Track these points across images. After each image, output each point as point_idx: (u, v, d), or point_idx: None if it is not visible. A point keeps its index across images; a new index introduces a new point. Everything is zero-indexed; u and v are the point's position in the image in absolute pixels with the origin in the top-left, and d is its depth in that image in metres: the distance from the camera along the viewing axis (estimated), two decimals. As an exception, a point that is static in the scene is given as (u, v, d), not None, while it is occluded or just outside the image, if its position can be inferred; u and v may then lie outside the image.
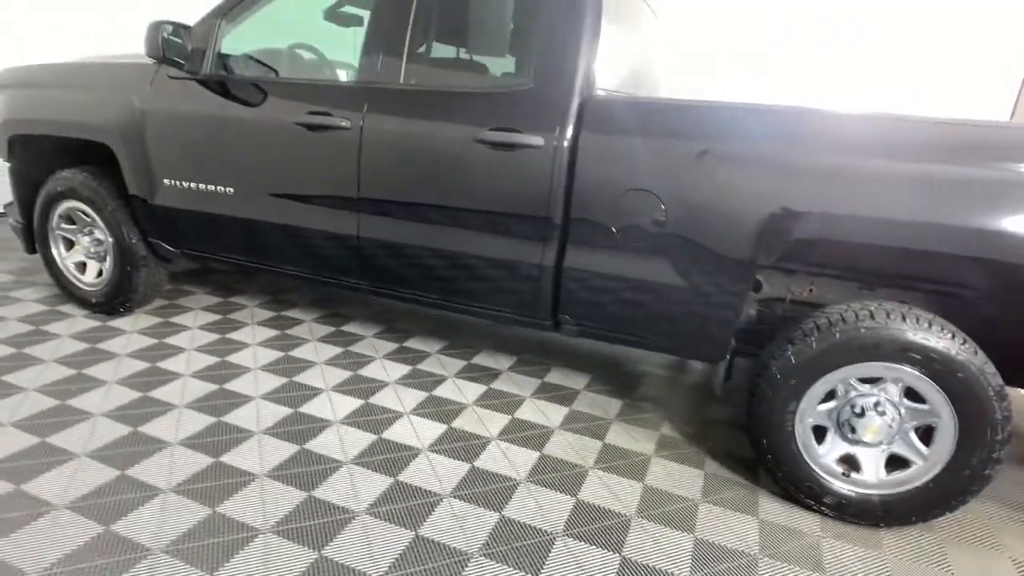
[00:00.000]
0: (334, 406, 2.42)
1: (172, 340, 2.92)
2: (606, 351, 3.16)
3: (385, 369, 2.77)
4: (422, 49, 2.26)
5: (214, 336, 3.00)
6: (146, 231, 2.91)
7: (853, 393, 1.89)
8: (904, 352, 1.74)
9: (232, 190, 2.59)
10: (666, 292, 2.00)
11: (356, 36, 3.02)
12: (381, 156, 2.27)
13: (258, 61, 2.63)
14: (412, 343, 3.06)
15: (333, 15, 2.98)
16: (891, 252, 1.77)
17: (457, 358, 2.93)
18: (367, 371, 2.73)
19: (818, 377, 1.87)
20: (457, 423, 2.36)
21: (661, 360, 3.14)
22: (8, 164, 3.13)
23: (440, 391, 2.60)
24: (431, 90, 2.22)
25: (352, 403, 2.45)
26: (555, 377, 2.82)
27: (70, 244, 3.16)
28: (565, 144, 2.01)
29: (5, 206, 3.36)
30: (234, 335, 3.03)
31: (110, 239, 2.96)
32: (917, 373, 1.76)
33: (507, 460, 2.13)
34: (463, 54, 2.38)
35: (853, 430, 1.91)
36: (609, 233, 2.01)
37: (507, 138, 2.07)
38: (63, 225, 3.11)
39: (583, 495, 1.98)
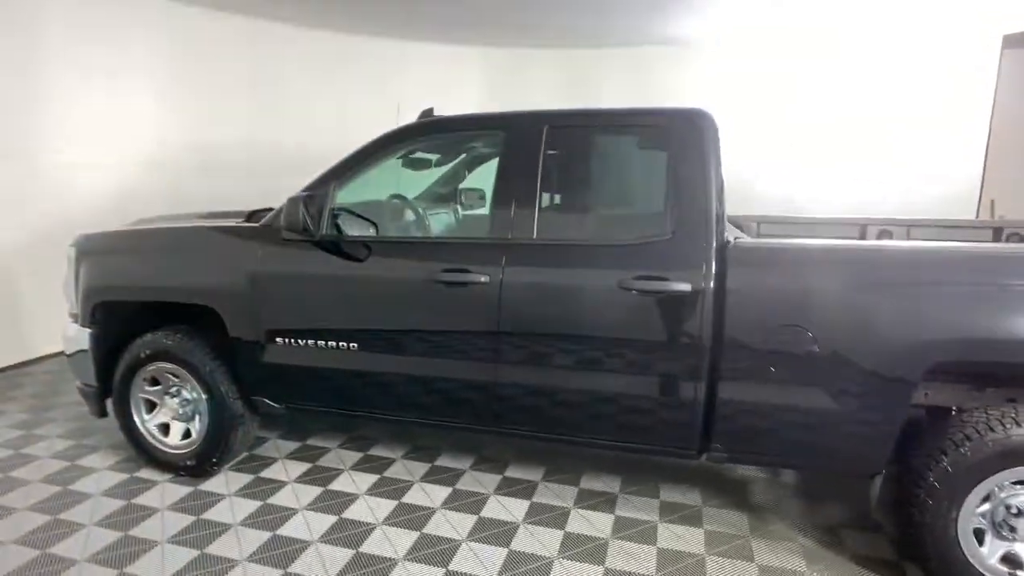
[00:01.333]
0: (480, 557, 2.39)
1: (277, 500, 2.82)
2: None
3: (507, 508, 2.75)
4: (553, 204, 2.44)
5: (316, 489, 2.91)
6: (250, 388, 2.87)
7: (1005, 494, 2.05)
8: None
9: (356, 345, 2.62)
10: (824, 415, 2.14)
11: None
12: (522, 306, 2.38)
13: (360, 216, 2.73)
14: (512, 471, 3.06)
15: (409, 162, 3.18)
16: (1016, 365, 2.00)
17: (566, 483, 2.95)
18: (490, 511, 2.71)
19: (976, 483, 2.03)
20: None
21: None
22: (90, 331, 3.03)
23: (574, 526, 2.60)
24: (569, 243, 2.39)
25: (498, 552, 2.42)
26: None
27: (151, 406, 3.05)
28: (711, 287, 2.19)
29: (70, 358, 3.19)
30: (336, 485, 2.94)
31: (204, 399, 2.89)
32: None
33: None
34: (592, 208, 2.57)
35: (1012, 529, 2.06)
36: (762, 366, 2.17)
37: (655, 285, 2.23)
38: (146, 387, 3.02)
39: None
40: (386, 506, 2.76)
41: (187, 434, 3.01)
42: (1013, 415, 2.02)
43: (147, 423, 3.04)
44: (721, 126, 2.27)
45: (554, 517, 2.68)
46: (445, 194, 3.19)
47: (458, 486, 2.93)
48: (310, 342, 2.69)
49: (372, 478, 3.02)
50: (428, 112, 2.87)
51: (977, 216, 5.17)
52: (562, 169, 2.48)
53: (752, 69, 6.29)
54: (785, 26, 5.97)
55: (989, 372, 2.17)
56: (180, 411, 2.99)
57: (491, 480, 2.99)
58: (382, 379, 2.64)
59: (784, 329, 2.13)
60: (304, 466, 3.14)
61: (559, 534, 2.55)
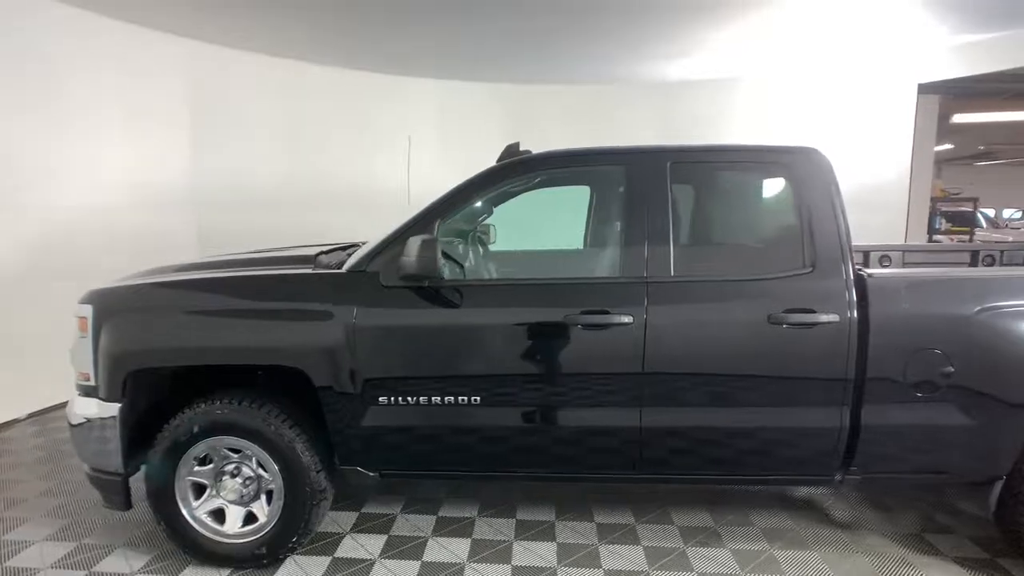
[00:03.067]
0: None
1: (376, 582, 2.48)
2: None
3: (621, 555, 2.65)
4: (684, 240, 2.43)
5: (412, 564, 2.60)
6: (344, 458, 2.52)
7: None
8: None
9: (479, 399, 2.40)
10: (958, 430, 2.31)
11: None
12: (669, 346, 2.33)
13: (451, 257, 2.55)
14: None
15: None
16: None
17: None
18: (613, 562, 2.59)
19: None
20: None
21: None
22: (118, 406, 2.49)
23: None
24: (710, 279, 2.39)
25: None
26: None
27: (199, 490, 2.57)
28: (854, 317, 2.29)
29: (78, 439, 2.59)
30: (430, 555, 2.65)
31: (279, 474, 2.48)
32: None
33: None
34: (722, 243, 2.58)
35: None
36: (903, 389, 2.30)
37: (805, 318, 2.29)
38: (196, 468, 2.54)
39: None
40: (502, 570, 2.54)
41: (249, 518, 2.57)
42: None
43: (196, 511, 2.55)
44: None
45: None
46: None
47: (559, 537, 2.77)
48: (422, 399, 2.42)
49: (463, 542, 2.76)
50: (514, 148, 2.76)
51: (905, 240, 5.98)
52: (689, 205, 2.49)
53: (693, 111, 6.77)
54: (722, 77, 6.55)
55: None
56: (243, 492, 2.54)
57: (575, 528, 2.86)
58: (509, 433, 2.44)
59: (922, 353, 2.28)
60: (380, 538, 2.80)
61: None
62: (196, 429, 2.46)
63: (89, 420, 2.52)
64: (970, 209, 11.47)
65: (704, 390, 2.38)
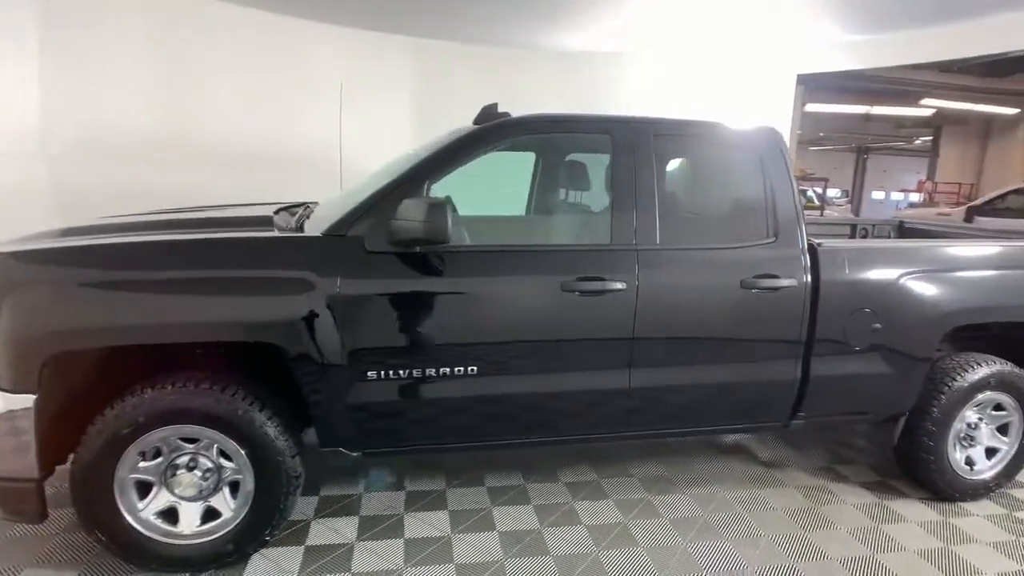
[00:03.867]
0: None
1: (365, 566, 2.34)
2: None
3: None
4: (667, 210, 2.52)
5: (396, 542, 2.49)
6: (324, 438, 2.31)
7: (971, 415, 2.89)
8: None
9: (476, 369, 2.33)
10: (882, 376, 2.70)
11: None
12: (654, 310, 2.44)
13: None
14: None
15: None
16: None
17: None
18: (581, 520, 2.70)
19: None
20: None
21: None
22: (32, 398, 2.04)
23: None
24: (692, 248, 2.52)
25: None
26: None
27: (144, 489, 2.22)
28: (808, 281, 2.57)
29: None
30: (412, 532, 2.56)
31: (247, 463, 2.22)
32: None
33: None
34: (699, 214, 2.69)
35: (971, 439, 2.91)
36: (843, 343, 2.64)
37: (769, 283, 2.52)
38: (140, 464, 2.18)
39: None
40: (490, 537, 2.53)
41: (207, 515, 2.27)
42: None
43: (142, 513, 2.20)
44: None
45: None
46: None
47: (534, 500, 2.82)
48: (415, 372, 2.29)
49: (441, 515, 2.70)
50: (492, 107, 2.66)
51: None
52: (670, 177, 2.58)
53: (592, 81, 6.99)
54: (620, 51, 6.83)
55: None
56: (201, 487, 2.24)
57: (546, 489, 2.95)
58: (506, 402, 2.40)
59: (858, 313, 2.63)
60: (351, 520, 2.63)
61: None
62: (142, 419, 2.10)
63: (-9, 416, 2.04)
64: (820, 189, 13.18)
65: (686, 350, 2.54)
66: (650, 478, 3.08)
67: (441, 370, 2.31)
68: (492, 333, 2.34)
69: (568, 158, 2.93)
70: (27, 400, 2.08)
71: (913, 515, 2.83)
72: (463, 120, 2.59)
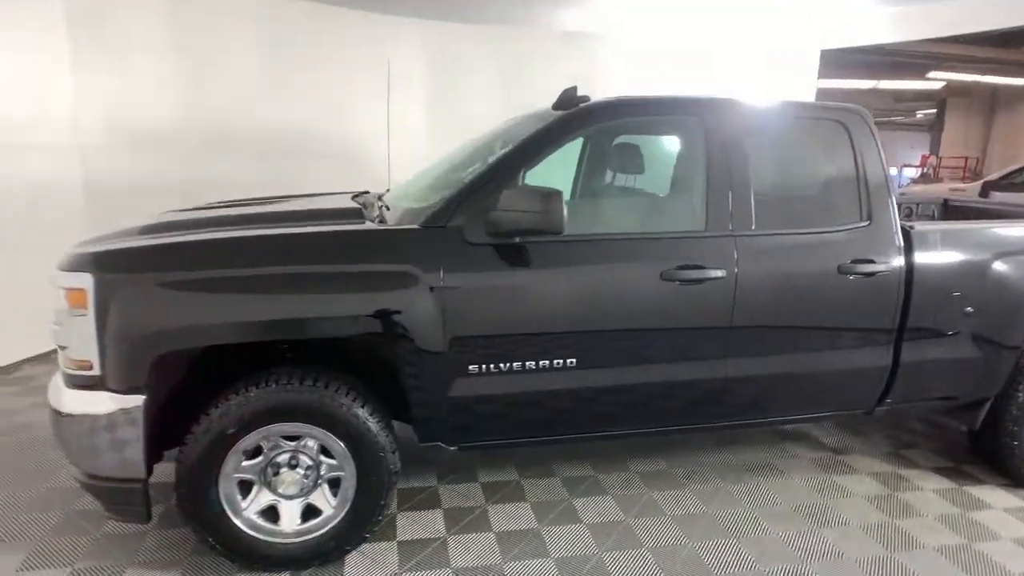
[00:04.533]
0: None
1: (464, 561, 2.33)
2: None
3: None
4: (761, 195, 2.46)
5: (485, 536, 2.48)
6: (424, 433, 2.28)
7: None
8: None
9: (575, 360, 2.29)
10: (969, 363, 2.68)
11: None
12: (753, 298, 2.39)
13: None
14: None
15: None
16: None
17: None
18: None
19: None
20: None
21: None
22: (140, 398, 2.00)
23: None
24: (788, 233, 2.47)
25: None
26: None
27: (246, 489, 2.19)
28: (902, 265, 2.53)
29: (68, 433, 2.06)
30: (499, 525, 2.55)
31: (351, 459, 2.19)
32: None
33: None
34: (791, 198, 2.63)
35: None
36: (934, 328, 2.61)
37: (866, 268, 2.48)
38: (243, 464, 2.15)
39: None
40: (578, 530, 2.51)
41: (308, 512, 2.25)
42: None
43: (245, 512, 2.18)
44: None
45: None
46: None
47: (610, 490, 2.80)
48: (516, 364, 2.25)
49: (523, 507, 2.68)
50: (571, 91, 2.59)
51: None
52: (761, 159, 2.52)
53: (609, 62, 6.85)
54: (640, 29, 6.69)
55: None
56: (303, 484, 2.21)
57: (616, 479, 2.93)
58: (605, 393, 2.37)
59: (953, 297, 2.59)
60: (434, 513, 2.62)
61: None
62: (247, 417, 2.07)
63: (96, 418, 2.00)
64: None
65: (781, 339, 2.51)
66: (725, 464, 3.07)
67: (541, 362, 2.27)
68: (592, 324, 2.30)
69: (661, 141, 2.87)
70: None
71: (997, 502, 2.82)
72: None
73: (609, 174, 3.17)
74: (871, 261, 2.49)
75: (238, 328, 2.02)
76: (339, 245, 2.15)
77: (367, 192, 3.38)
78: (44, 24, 4.15)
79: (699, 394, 2.48)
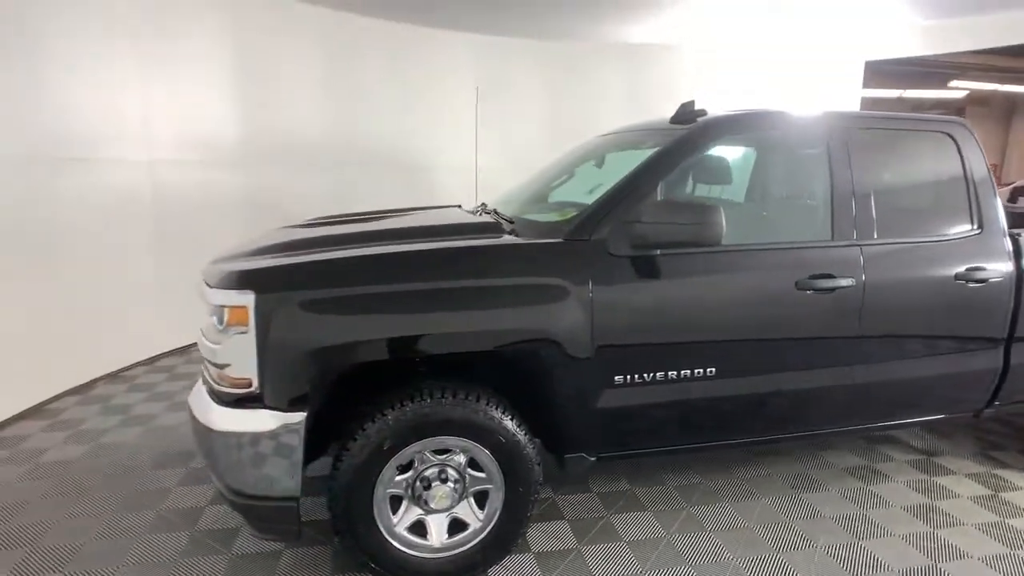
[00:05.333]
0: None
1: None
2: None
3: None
4: (879, 204, 2.52)
5: (618, 546, 2.48)
6: (570, 444, 2.29)
7: None
8: None
9: (714, 370, 2.32)
10: None
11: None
12: (879, 306, 2.45)
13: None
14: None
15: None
16: None
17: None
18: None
19: None
20: None
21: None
22: (302, 415, 1.99)
23: None
24: (907, 242, 2.53)
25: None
26: None
27: (395, 504, 2.19)
28: (1013, 271, 2.60)
29: (224, 452, 2.03)
30: (629, 534, 2.55)
31: (500, 472, 2.20)
32: None
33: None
34: (904, 207, 2.69)
35: None
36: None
37: (981, 274, 2.54)
38: (395, 479, 2.15)
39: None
40: (706, 538, 2.53)
41: (459, 526, 2.25)
42: None
43: (397, 527, 2.17)
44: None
45: (843, 501, 2.82)
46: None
47: (723, 499, 2.82)
48: (659, 375, 2.28)
49: (646, 516, 2.69)
50: (689, 105, 2.64)
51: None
52: (879, 171, 2.58)
53: (655, 74, 6.97)
54: (682, 43, 6.82)
55: None
56: (453, 498, 2.21)
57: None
58: (742, 402, 2.40)
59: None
60: (559, 525, 2.62)
61: (872, 515, 2.72)
62: (405, 431, 2.07)
63: (256, 435, 1.99)
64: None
65: (903, 345, 2.56)
66: (850, 467, 3.11)
67: (683, 372, 2.30)
68: (731, 333, 2.34)
69: (780, 154, 2.92)
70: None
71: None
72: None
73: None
74: (983, 268, 2.56)
75: (404, 343, 2.02)
76: (496, 258, 2.17)
77: (458, 206, 3.41)
78: (112, 41, 4.16)
79: (828, 401, 2.52)
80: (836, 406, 2.54)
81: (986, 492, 2.93)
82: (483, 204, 3.32)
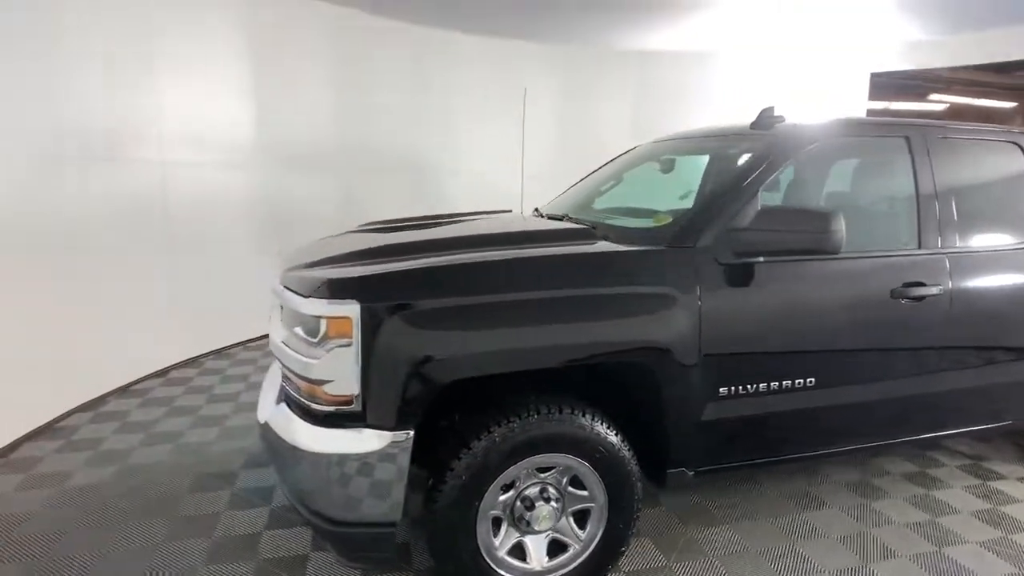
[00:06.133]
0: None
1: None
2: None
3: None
4: (963, 216, 2.54)
5: (706, 561, 2.40)
6: (674, 459, 2.20)
7: None
8: None
9: (813, 380, 2.27)
10: None
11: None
12: (965, 313, 2.46)
13: None
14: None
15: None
16: None
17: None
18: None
19: None
20: None
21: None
22: (410, 433, 1.85)
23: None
24: (987, 250, 2.54)
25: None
26: None
27: (496, 525, 2.06)
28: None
29: (317, 476, 1.88)
30: (712, 548, 2.48)
31: (604, 490, 2.10)
32: None
33: None
34: (978, 214, 2.70)
35: None
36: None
37: (1057, 280, 2.58)
38: (500, 498, 2.03)
39: None
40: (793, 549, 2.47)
41: (560, 548, 2.13)
42: None
43: (497, 551, 2.04)
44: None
45: None
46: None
47: (830, 505, 2.78)
48: (762, 386, 2.22)
49: (725, 530, 2.62)
50: (769, 111, 2.61)
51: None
52: (958, 180, 2.59)
53: (664, 80, 7.01)
54: (694, 51, 6.87)
55: None
56: (555, 518, 2.10)
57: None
58: (838, 411, 2.36)
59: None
60: (642, 542, 2.52)
61: None
62: (512, 449, 1.95)
63: (360, 457, 1.84)
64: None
65: (987, 352, 2.57)
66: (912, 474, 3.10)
67: (784, 383, 2.25)
68: (833, 342, 2.31)
69: (868, 160, 2.90)
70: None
71: None
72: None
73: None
74: (1063, 273, 2.59)
75: (522, 355, 1.91)
76: (611, 265, 2.08)
77: (509, 210, 3.31)
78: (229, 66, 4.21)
79: (916, 407, 2.52)
80: (922, 412, 2.54)
81: (1045, 496, 2.96)
82: (536, 209, 3.23)
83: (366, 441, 1.83)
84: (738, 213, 2.16)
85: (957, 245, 2.49)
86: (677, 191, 2.81)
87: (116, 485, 2.85)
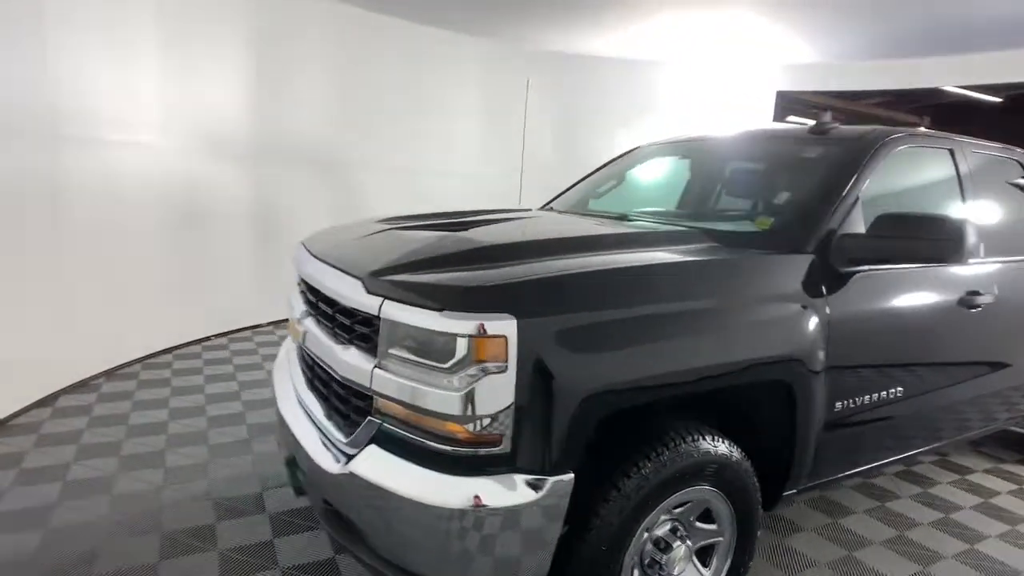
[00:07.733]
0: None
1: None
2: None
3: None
4: (1002, 228, 2.71)
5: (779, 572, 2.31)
6: (794, 481, 2.05)
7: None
8: None
9: (902, 390, 2.26)
10: None
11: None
12: (1013, 318, 2.65)
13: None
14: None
15: None
16: None
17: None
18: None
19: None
20: None
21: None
22: (570, 477, 1.50)
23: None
24: (1019, 260, 2.72)
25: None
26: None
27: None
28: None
29: (453, 534, 1.47)
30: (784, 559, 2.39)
31: (734, 523, 1.91)
32: None
33: None
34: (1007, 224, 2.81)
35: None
36: None
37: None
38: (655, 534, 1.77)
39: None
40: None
41: (687, 585, 1.90)
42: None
43: (637, 596, 1.77)
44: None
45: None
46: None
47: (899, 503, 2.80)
48: (873, 397, 2.16)
49: (804, 536, 2.55)
50: (826, 120, 2.59)
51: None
52: (989, 190, 2.73)
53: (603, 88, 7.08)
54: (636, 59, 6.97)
55: None
56: (687, 558, 1.86)
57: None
58: (923, 418, 2.44)
59: None
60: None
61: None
62: (660, 484, 1.69)
63: (513, 510, 1.47)
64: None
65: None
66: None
67: (880, 394, 2.21)
68: (929, 350, 2.38)
69: (917, 170, 2.93)
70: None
71: None
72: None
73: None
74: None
75: (690, 374, 1.67)
76: (764, 273, 1.91)
77: (528, 208, 3.05)
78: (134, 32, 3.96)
79: (976, 408, 2.67)
80: (977, 412, 2.70)
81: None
82: (550, 207, 3.05)
83: (521, 491, 1.46)
84: (845, 219, 2.08)
85: (1001, 256, 2.65)
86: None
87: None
